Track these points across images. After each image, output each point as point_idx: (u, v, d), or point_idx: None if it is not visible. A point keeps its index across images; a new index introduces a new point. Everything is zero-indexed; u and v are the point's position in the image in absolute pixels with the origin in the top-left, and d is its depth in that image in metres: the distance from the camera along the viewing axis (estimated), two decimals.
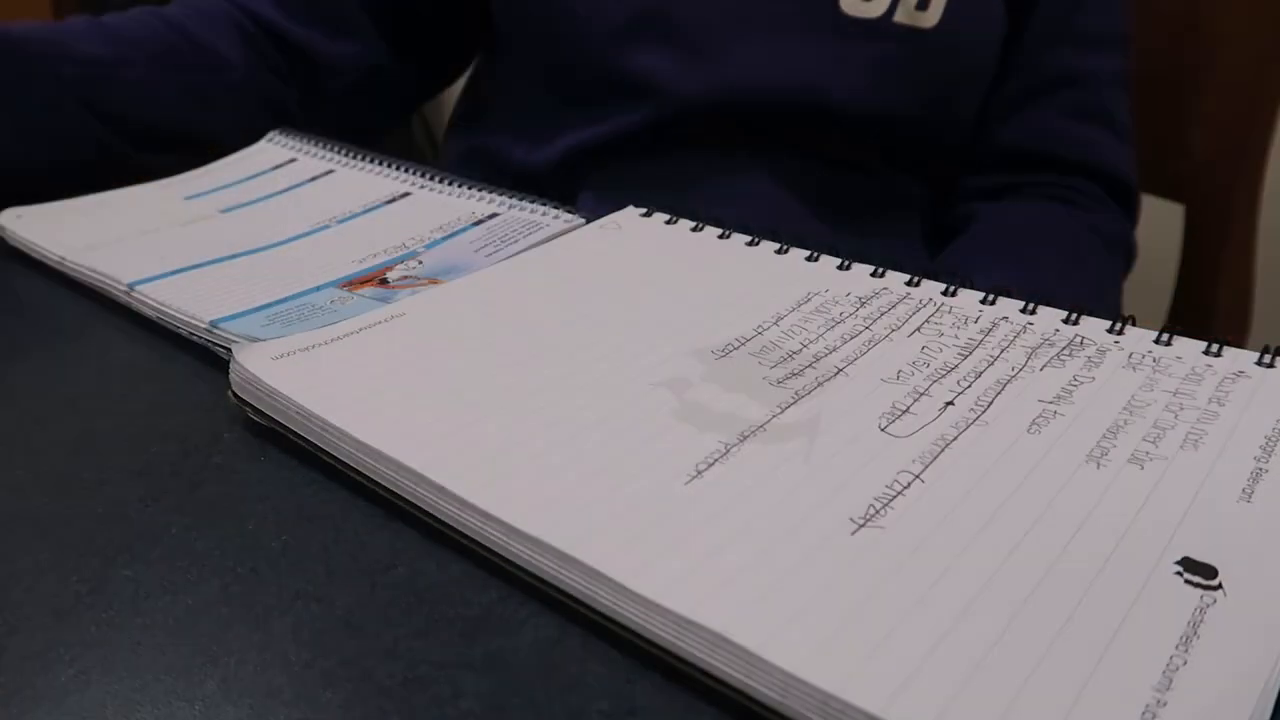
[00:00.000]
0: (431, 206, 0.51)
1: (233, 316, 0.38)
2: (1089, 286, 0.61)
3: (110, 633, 0.25)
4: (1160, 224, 0.82)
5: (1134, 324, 0.35)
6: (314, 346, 0.35)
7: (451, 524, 0.27)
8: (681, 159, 0.63)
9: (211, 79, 0.60)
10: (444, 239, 0.46)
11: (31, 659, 0.24)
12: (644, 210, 0.48)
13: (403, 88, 0.73)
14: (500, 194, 0.50)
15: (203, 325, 0.38)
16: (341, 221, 0.49)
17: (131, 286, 0.41)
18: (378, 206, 0.51)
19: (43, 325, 0.42)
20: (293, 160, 0.57)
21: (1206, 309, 0.78)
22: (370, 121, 0.72)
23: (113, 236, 0.47)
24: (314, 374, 0.33)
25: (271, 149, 0.59)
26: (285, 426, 0.32)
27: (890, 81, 0.61)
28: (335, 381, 0.32)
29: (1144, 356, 0.34)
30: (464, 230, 0.47)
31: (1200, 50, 0.76)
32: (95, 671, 0.24)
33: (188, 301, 0.39)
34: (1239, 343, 0.33)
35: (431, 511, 0.28)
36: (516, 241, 0.45)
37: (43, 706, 0.23)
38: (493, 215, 0.49)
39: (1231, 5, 0.74)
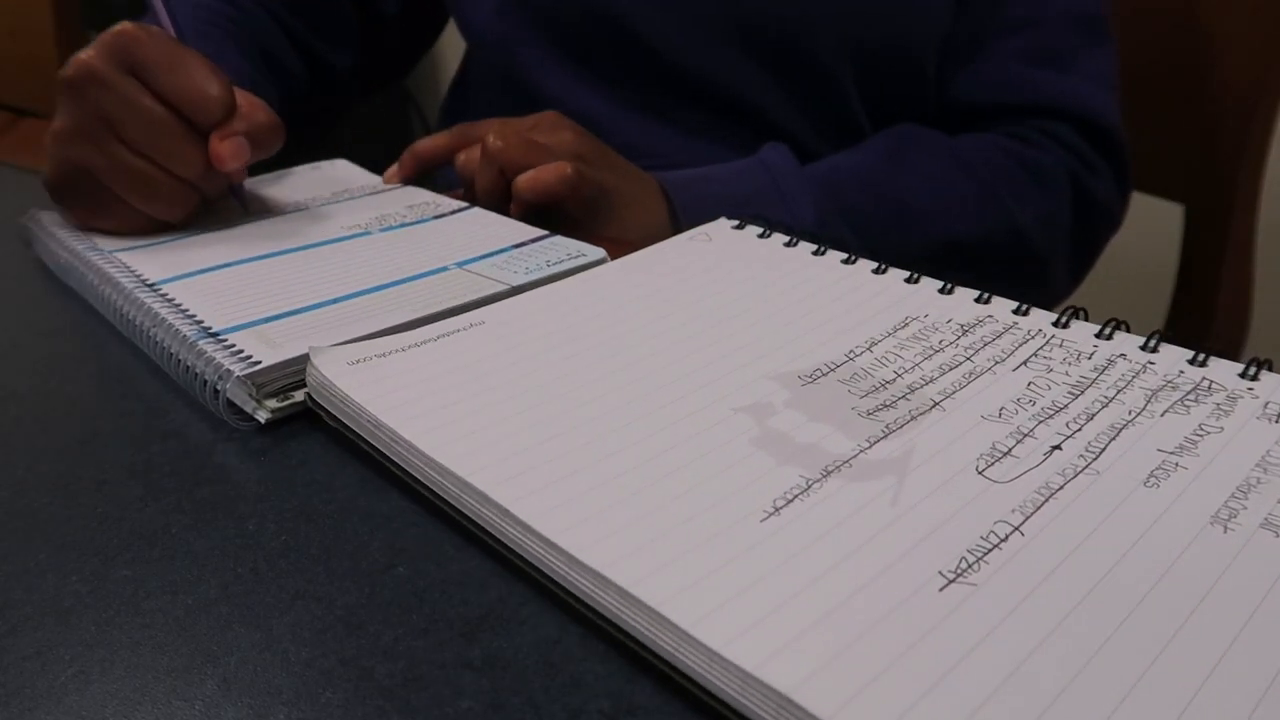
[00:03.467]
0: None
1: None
2: (962, 197, 0.60)
3: (110, 633, 0.25)
4: (1160, 224, 0.82)
5: (1219, 354, 0.32)
6: (389, 353, 0.34)
7: (513, 547, 0.26)
8: (648, 129, 0.64)
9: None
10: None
11: (31, 659, 0.24)
12: (736, 222, 0.46)
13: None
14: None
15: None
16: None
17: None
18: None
19: (43, 325, 0.42)
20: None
21: (1206, 309, 0.78)
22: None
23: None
24: (387, 381, 0.32)
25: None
26: (355, 432, 0.31)
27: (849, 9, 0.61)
28: (407, 390, 0.31)
29: None
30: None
31: (1200, 50, 0.76)
32: (95, 671, 0.24)
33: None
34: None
35: (492, 531, 0.27)
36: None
37: (43, 706, 0.23)
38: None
39: (1231, 5, 0.74)
